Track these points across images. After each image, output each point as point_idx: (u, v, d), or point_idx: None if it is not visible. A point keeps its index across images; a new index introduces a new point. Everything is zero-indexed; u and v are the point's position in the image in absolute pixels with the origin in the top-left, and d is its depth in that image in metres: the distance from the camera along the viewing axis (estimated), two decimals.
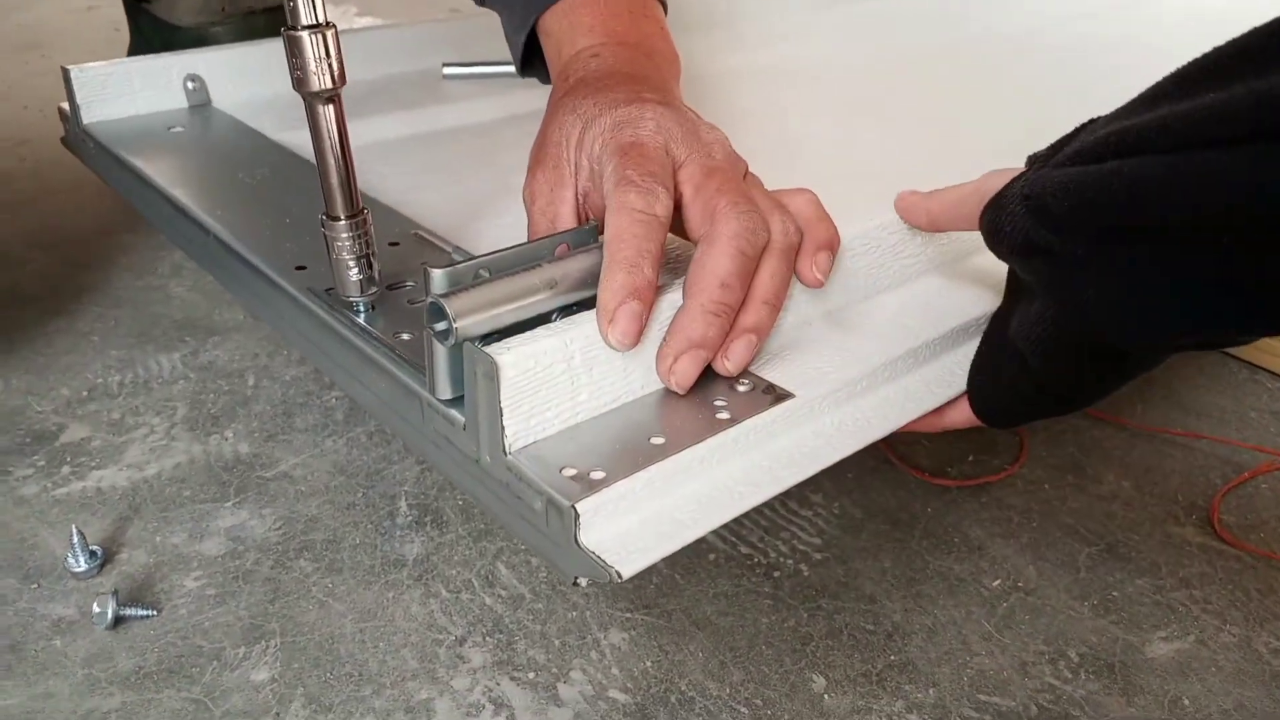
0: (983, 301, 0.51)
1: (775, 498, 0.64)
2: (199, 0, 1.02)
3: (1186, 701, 0.52)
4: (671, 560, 0.59)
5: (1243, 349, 0.82)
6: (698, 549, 0.61)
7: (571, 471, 0.37)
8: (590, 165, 0.45)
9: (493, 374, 0.37)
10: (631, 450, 0.39)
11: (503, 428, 0.38)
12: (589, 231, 0.43)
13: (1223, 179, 0.31)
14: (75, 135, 0.78)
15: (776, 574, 0.59)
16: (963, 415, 0.50)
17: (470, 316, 0.37)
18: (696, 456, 0.39)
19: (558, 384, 0.39)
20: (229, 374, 0.78)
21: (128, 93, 0.77)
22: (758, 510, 0.64)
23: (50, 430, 0.71)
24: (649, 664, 0.53)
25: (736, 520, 0.62)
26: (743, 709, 0.51)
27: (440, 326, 0.37)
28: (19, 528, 0.62)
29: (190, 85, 0.80)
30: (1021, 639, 0.55)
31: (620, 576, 0.36)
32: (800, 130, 0.79)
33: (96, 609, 0.54)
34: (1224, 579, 0.60)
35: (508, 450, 0.38)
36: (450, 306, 0.37)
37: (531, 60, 0.62)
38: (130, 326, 0.84)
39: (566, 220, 0.46)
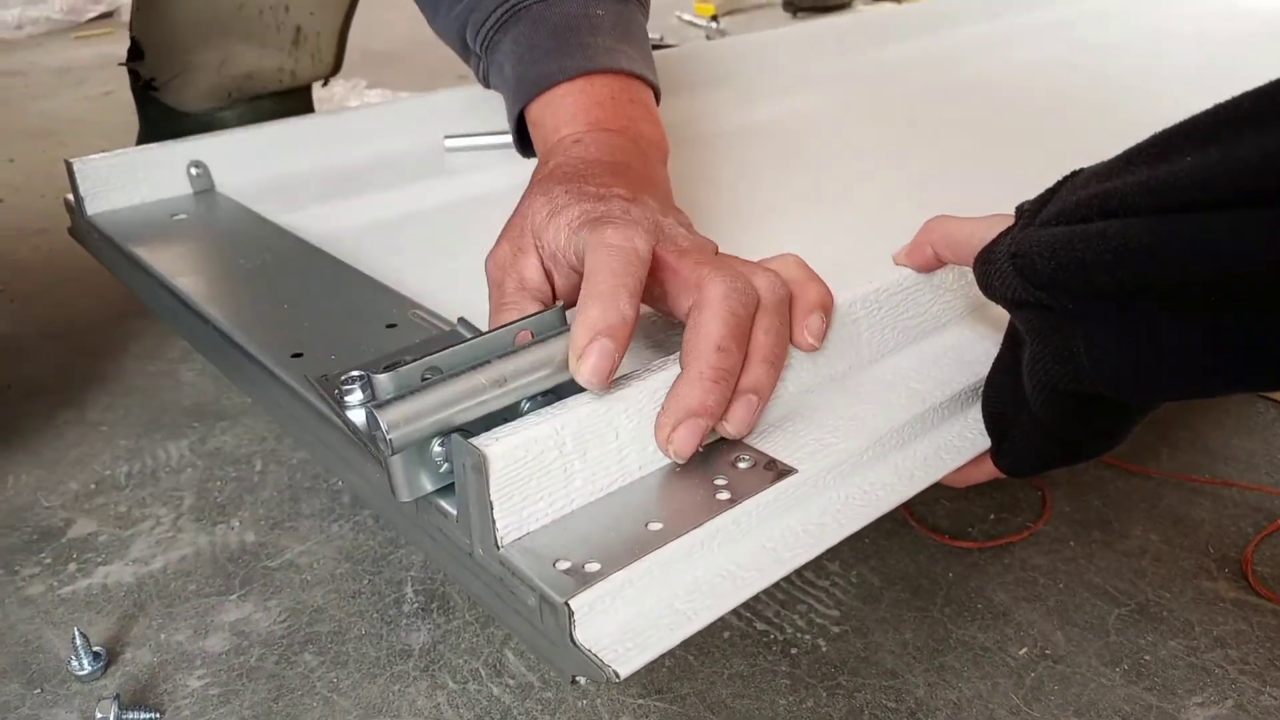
0: (992, 359, 0.49)
1: None
2: (206, 87, 1.04)
3: None
4: (685, 640, 0.58)
5: None
6: (711, 627, 0.58)
7: (566, 564, 0.36)
8: (553, 247, 0.45)
9: (481, 466, 0.36)
10: (628, 538, 0.37)
11: (493, 520, 0.37)
12: (555, 314, 0.42)
13: (1203, 243, 0.31)
14: (81, 227, 0.79)
15: (794, 651, 0.57)
16: (983, 470, 0.49)
17: (405, 427, 0.36)
18: (696, 541, 0.38)
19: (550, 472, 0.38)
20: (236, 460, 0.77)
21: (131, 182, 0.78)
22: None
23: (58, 526, 0.71)
24: None
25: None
26: None
27: (378, 435, 0.36)
28: (24, 630, 0.61)
29: (194, 171, 0.80)
30: (1051, 711, 0.53)
31: (618, 676, 0.34)
32: (806, 187, 0.79)
33: (99, 715, 0.53)
34: (1261, 636, 0.57)
35: (499, 543, 0.37)
36: (384, 418, 0.36)
37: (528, 144, 0.62)
38: (139, 415, 0.84)
39: (531, 278, 0.46)
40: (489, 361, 0.39)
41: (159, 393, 0.87)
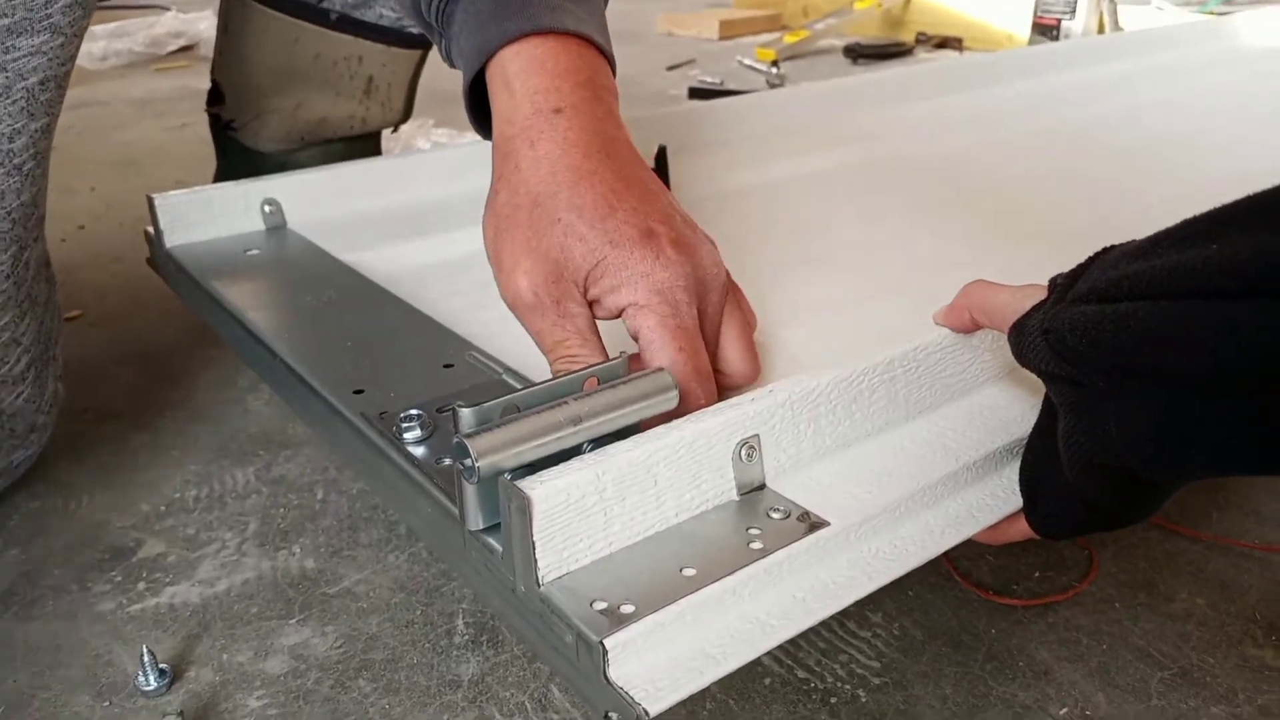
0: (1026, 421, 0.50)
1: (834, 617, 0.63)
2: (281, 130, 1.08)
3: None
4: (726, 684, 0.59)
5: None
6: (753, 673, 0.60)
7: (602, 605, 0.38)
8: (605, 301, 0.50)
9: (525, 508, 0.38)
10: (662, 582, 0.39)
11: (535, 560, 0.39)
12: (619, 365, 0.44)
13: (1226, 330, 0.32)
14: (159, 257, 0.83)
15: (833, 700, 0.58)
16: (1018, 529, 0.50)
17: (492, 455, 0.39)
18: (728, 588, 0.39)
19: (590, 516, 0.40)
20: (299, 488, 0.80)
21: (208, 217, 0.81)
22: (815, 630, 0.63)
23: (129, 546, 0.74)
24: None
25: (793, 641, 0.62)
26: None
27: (466, 463, 0.39)
28: (95, 644, 0.64)
29: (267, 209, 0.84)
30: None
31: (648, 715, 0.36)
32: (858, 238, 0.80)
33: None
34: None
35: (540, 582, 0.39)
36: (473, 446, 0.38)
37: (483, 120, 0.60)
38: (209, 441, 0.87)
39: (584, 327, 0.50)
40: (565, 401, 0.41)
41: (228, 420, 0.91)
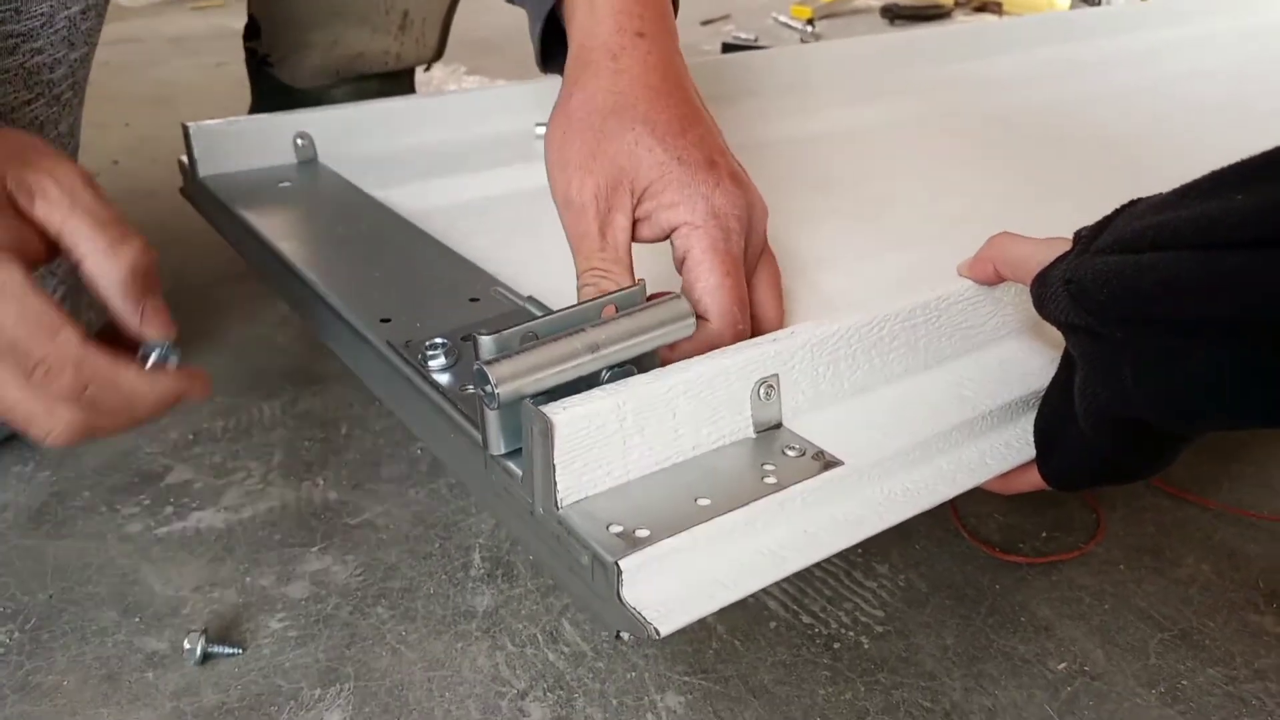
0: (1045, 375, 0.51)
1: (841, 567, 0.65)
2: (316, 65, 1.09)
3: None
4: (731, 625, 0.60)
5: None
6: (758, 615, 0.61)
7: (618, 529, 0.39)
8: (657, 218, 0.50)
9: (547, 432, 0.39)
10: (678, 510, 0.40)
11: (555, 483, 0.40)
12: (638, 291, 0.45)
13: (1249, 280, 0.32)
14: (192, 187, 0.84)
15: (836, 645, 0.59)
16: (1028, 479, 0.51)
17: (512, 382, 0.40)
18: (741, 519, 0.41)
19: (610, 443, 0.41)
20: (324, 422, 0.82)
21: (241, 148, 0.83)
22: (822, 579, 0.64)
23: (157, 471, 0.76)
24: None
25: (799, 588, 0.63)
26: None
27: (487, 389, 0.40)
28: (122, 564, 0.67)
29: (300, 142, 0.85)
30: None
31: (658, 633, 0.37)
32: (882, 191, 0.81)
33: (187, 645, 0.58)
34: None
35: (559, 505, 0.40)
36: (493, 373, 0.39)
37: (552, 53, 0.61)
38: (238, 374, 0.89)
39: (622, 243, 0.51)
40: (583, 329, 0.42)
41: (256, 355, 0.93)
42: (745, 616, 0.61)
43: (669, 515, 0.40)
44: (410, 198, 0.78)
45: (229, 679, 0.57)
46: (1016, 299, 0.54)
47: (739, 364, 0.44)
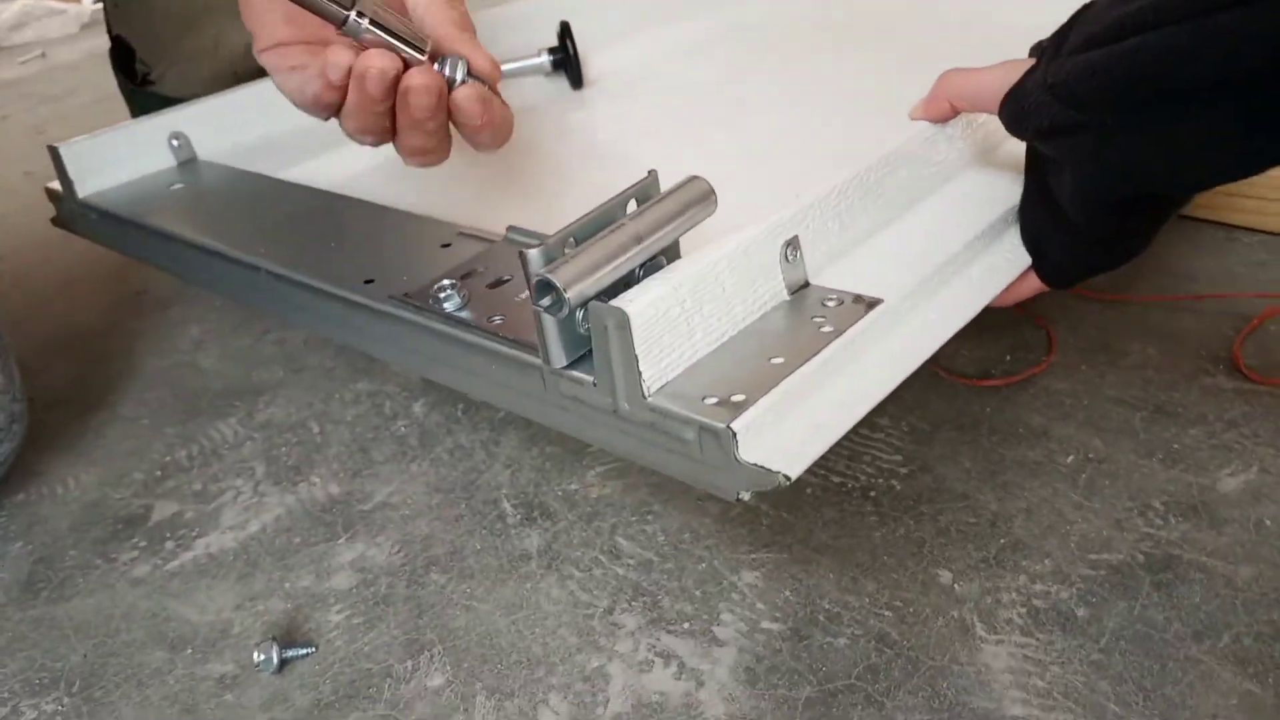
0: (1011, 195, 0.55)
1: None
2: (209, 72, 1.01)
3: (1268, 522, 0.57)
4: (774, 501, 0.63)
5: (1215, 211, 0.88)
6: (794, 486, 0.64)
7: (713, 400, 0.41)
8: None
9: (625, 324, 0.41)
10: (758, 372, 0.43)
11: (640, 373, 0.42)
12: (653, 183, 0.46)
13: (1243, 36, 0.36)
14: (71, 211, 0.79)
15: (873, 493, 0.63)
16: (1029, 284, 0.55)
17: (578, 285, 0.41)
18: (817, 365, 0.43)
19: (676, 326, 0.43)
20: (291, 426, 0.80)
21: (117, 160, 0.79)
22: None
23: (138, 513, 0.73)
24: (788, 593, 0.57)
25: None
26: (886, 612, 0.55)
27: (546, 302, 0.41)
28: (146, 606, 0.64)
29: (175, 143, 0.81)
30: (1109, 501, 0.60)
31: (789, 479, 0.39)
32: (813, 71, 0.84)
33: (260, 657, 0.57)
34: (1264, 414, 0.66)
35: (647, 394, 0.42)
36: (558, 279, 0.40)
37: None
38: (174, 404, 0.86)
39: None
40: (622, 223, 0.43)
41: (185, 381, 0.89)
42: (785, 490, 0.64)
43: (753, 378, 0.42)
44: (311, 173, 0.76)
45: (314, 677, 0.57)
46: (965, 132, 0.58)
47: (766, 230, 0.47)
